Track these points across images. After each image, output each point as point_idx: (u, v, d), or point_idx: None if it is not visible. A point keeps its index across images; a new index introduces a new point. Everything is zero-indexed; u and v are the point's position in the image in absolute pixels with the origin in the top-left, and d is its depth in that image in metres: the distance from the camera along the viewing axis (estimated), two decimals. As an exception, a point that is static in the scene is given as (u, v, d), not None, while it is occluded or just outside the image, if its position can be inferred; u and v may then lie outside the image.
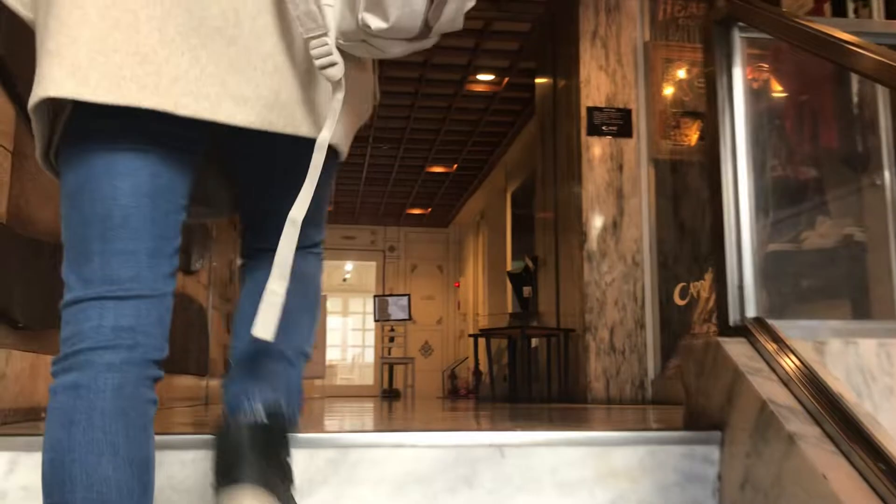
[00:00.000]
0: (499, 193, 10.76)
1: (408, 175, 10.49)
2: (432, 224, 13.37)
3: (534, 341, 6.35)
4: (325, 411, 6.41)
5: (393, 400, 10.97)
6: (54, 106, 1.02)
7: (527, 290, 5.46)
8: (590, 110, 5.36)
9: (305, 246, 1.17)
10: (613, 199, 5.30)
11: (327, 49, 1.00)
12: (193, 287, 4.65)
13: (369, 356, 13.74)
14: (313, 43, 1.00)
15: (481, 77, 7.41)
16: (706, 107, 1.86)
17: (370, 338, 13.48)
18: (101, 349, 0.99)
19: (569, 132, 5.61)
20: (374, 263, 13.49)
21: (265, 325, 1.04)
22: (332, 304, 14.08)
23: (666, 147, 5.41)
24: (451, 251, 13.88)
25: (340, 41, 1.05)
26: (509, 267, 9.97)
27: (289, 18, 1.03)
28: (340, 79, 1.02)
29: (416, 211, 12.52)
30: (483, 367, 5.84)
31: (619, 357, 5.14)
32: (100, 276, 1.01)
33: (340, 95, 1.03)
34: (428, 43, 1.07)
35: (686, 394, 1.79)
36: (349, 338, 14.42)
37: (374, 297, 11.81)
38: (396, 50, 1.06)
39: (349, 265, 13.98)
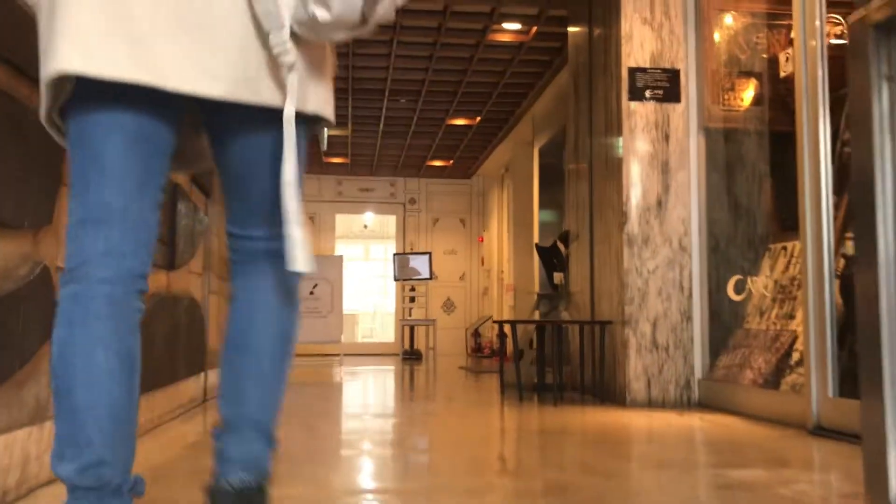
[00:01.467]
0: (525, 146, 10.09)
1: (428, 127, 9.83)
2: (454, 175, 12.73)
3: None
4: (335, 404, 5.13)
5: (414, 363, 10.53)
6: (60, 78, 1.23)
7: (558, 277, 4.88)
8: (632, 71, 4.68)
9: (256, 237, 1.39)
10: (658, 174, 4.66)
11: (282, 41, 1.25)
12: (181, 281, 4.12)
13: (391, 306, 13.28)
14: (272, 36, 1.24)
15: (507, 26, 6.69)
16: (852, 131, 1.25)
17: (392, 287, 12.95)
18: (96, 265, 1.24)
19: (606, 95, 4.94)
20: (393, 216, 12.92)
21: (296, 260, 1.28)
22: (352, 250, 13.63)
23: (718, 113, 4.74)
24: (475, 204, 13.24)
25: (295, 27, 1.27)
26: (536, 226, 9.36)
27: (254, 11, 1.24)
28: (293, 63, 1.27)
29: (438, 163, 11.88)
30: (508, 344, 5.30)
31: (662, 354, 4.56)
32: (95, 202, 1.26)
33: (294, 77, 1.27)
34: (366, 31, 1.27)
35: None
36: (371, 285, 14.03)
37: (394, 255, 11.29)
38: (339, 36, 1.29)
39: (369, 217, 13.45)
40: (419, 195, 12.93)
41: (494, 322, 5.39)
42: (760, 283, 4.31)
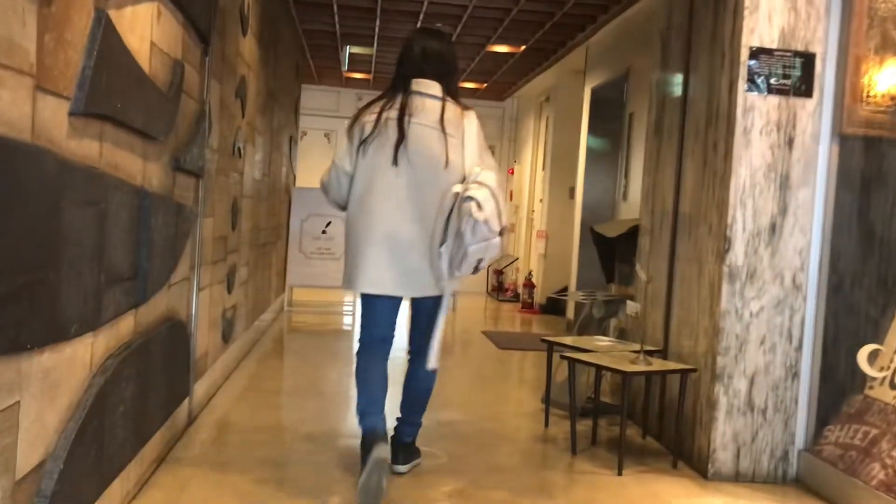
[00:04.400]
0: (573, 74, 8.93)
1: (464, 52, 8.63)
2: (486, 97, 11.53)
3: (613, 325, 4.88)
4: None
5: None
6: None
7: (632, 308, 3.91)
8: (754, 53, 3.58)
9: (420, 352, 3.33)
10: (775, 190, 3.63)
11: (444, 284, 3.17)
12: (157, 307, 3.19)
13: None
14: (440, 282, 3.17)
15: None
16: None
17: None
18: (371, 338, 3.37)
19: (713, 77, 3.84)
20: (417, 139, 11.81)
21: (430, 362, 3.26)
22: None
23: (860, 115, 3.65)
24: (507, 129, 12.10)
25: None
26: (581, 176, 8.30)
27: (434, 264, 3.14)
28: (445, 285, 3.18)
29: (470, 85, 10.69)
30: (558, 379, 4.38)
31: (757, 417, 3.66)
32: (366, 331, 3.35)
33: (448, 287, 3.19)
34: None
35: None
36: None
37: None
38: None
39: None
40: (447, 116, 11.77)
41: (542, 341, 4.46)
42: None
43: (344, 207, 3.32)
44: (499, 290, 11.34)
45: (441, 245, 3.09)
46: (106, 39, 2.29)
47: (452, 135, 3.16)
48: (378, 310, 3.27)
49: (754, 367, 3.64)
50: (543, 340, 4.40)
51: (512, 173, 11.80)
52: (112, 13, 2.38)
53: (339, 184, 3.28)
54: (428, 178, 3.13)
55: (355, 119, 3.29)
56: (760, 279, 3.63)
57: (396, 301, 3.28)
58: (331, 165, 3.33)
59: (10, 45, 1.75)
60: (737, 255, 3.61)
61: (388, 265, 3.11)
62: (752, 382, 3.65)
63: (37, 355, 1.99)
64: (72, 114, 2.13)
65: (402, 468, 3.38)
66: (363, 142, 3.18)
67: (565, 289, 8.99)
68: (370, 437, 3.04)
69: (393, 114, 3.17)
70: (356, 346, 3.36)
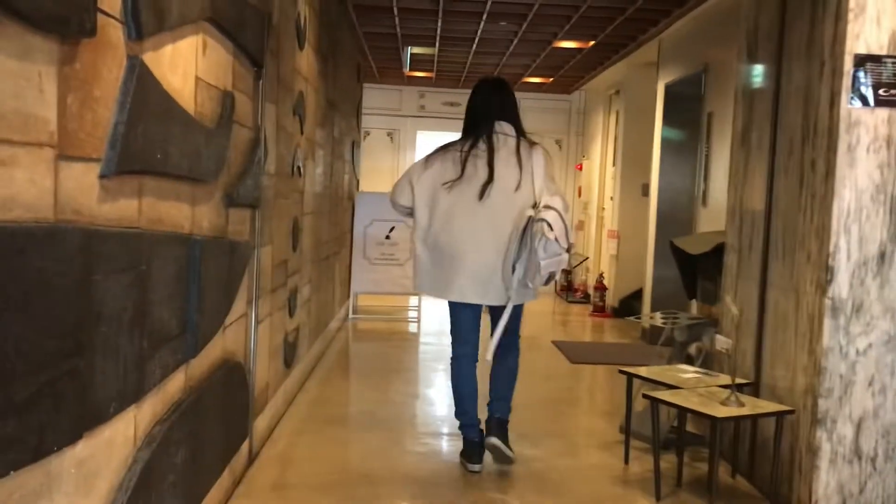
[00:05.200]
0: (645, 67, 8.52)
1: (529, 49, 8.31)
2: (552, 91, 11.16)
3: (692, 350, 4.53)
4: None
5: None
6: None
7: (722, 342, 3.56)
8: (860, 61, 3.20)
9: (507, 345, 3.89)
10: (884, 214, 3.25)
11: (511, 293, 3.69)
12: (211, 354, 3.00)
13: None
14: (508, 290, 3.71)
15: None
16: None
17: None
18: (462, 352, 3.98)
19: (809, 87, 3.47)
20: (482, 136, 11.50)
21: (490, 353, 3.80)
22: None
23: (983, 126, 3.24)
24: (574, 123, 11.70)
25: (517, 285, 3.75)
26: (655, 172, 7.91)
27: (506, 277, 3.71)
28: (511, 295, 3.70)
29: (535, 79, 10.34)
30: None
31: (866, 466, 3.30)
32: (456, 342, 3.97)
33: (512, 297, 3.70)
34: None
35: None
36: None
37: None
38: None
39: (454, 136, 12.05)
40: (512, 111, 11.43)
41: (621, 372, 4.15)
42: None
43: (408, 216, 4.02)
44: (568, 290, 11.00)
45: (515, 261, 3.66)
46: (141, 88, 2.08)
47: (524, 166, 3.75)
48: (463, 318, 3.91)
49: (861, 411, 3.28)
50: (622, 372, 4.09)
51: (580, 168, 11.42)
52: (149, 56, 2.18)
53: (404, 210, 3.98)
54: (503, 203, 3.72)
55: (433, 158, 3.92)
56: (868, 314, 3.26)
57: (478, 311, 3.91)
58: (402, 183, 3.95)
59: (25, 118, 1.54)
60: (840, 286, 3.25)
61: (471, 279, 3.75)
62: (859, 428, 3.29)
63: (69, 449, 1.80)
64: (102, 176, 1.93)
65: (495, 440, 3.78)
66: (450, 181, 3.79)
67: (639, 291, 8.62)
68: (469, 448, 3.85)
69: (479, 153, 3.79)
70: (449, 356, 4.04)
